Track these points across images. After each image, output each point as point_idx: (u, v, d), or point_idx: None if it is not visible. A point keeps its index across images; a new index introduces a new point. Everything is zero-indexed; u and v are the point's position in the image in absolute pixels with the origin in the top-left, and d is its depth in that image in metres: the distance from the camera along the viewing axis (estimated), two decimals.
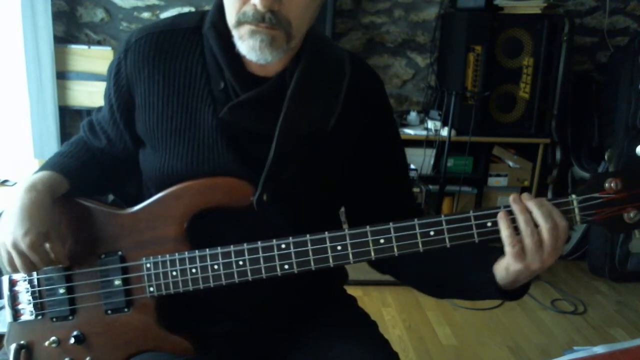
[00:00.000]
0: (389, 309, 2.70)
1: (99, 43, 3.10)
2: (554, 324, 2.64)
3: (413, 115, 3.17)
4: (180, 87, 1.00)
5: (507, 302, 2.80)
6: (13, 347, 1.07)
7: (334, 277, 1.20)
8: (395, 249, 0.91)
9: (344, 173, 1.07)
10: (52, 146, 2.83)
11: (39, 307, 1.06)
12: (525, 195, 0.89)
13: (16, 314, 1.08)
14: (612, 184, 0.87)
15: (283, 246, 0.95)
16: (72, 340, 1.04)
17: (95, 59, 2.91)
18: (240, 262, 0.96)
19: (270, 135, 0.97)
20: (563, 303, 2.83)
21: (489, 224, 0.89)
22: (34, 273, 1.05)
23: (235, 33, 0.93)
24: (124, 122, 1.07)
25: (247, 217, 0.98)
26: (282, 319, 1.11)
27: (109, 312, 1.03)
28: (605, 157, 2.97)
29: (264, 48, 0.90)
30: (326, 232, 0.93)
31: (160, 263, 1.00)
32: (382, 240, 0.92)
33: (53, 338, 1.05)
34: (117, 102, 1.06)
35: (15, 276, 1.08)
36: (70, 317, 1.05)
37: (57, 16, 2.98)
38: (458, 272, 1.00)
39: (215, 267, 0.97)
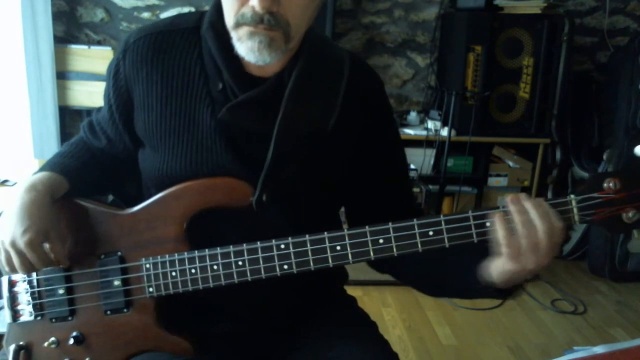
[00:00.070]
0: (389, 309, 2.70)
1: (99, 43, 3.10)
2: (554, 324, 2.64)
3: (413, 115, 3.17)
4: (179, 88, 1.00)
5: (507, 301, 2.80)
6: (12, 347, 1.07)
7: (334, 277, 1.20)
8: (395, 249, 0.91)
9: (344, 173, 1.07)
10: (52, 146, 2.84)
11: (38, 308, 1.06)
12: (522, 196, 0.89)
13: (15, 314, 1.08)
14: (611, 184, 0.87)
15: (282, 246, 0.95)
16: (72, 341, 1.04)
17: (95, 59, 2.91)
18: (240, 263, 0.96)
19: (269, 136, 0.97)
20: (563, 303, 2.83)
21: (488, 224, 0.89)
22: (34, 274, 1.05)
23: (233, 34, 0.93)
24: (122, 123, 1.07)
25: (246, 217, 0.98)
26: (281, 319, 1.11)
27: (109, 312, 1.03)
28: (604, 157, 2.97)
29: (262, 49, 0.90)
30: (325, 233, 0.93)
31: (159, 263, 1.00)
32: (381, 241, 0.92)
33: (52, 339, 1.05)
34: (115, 103, 1.06)
35: (15, 277, 1.07)
36: (70, 318, 1.05)
37: (57, 16, 2.99)
38: (455, 272, 1.00)
39: (215, 267, 0.97)
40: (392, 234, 0.91)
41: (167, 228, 1.00)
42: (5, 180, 2.43)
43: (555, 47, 2.96)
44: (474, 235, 0.90)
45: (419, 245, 0.91)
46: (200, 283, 0.98)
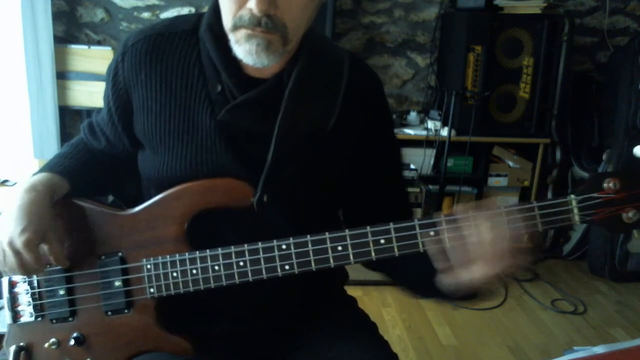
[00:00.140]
0: (389, 309, 2.70)
1: (99, 43, 3.10)
2: (554, 324, 2.64)
3: (413, 115, 3.17)
4: (178, 90, 1.00)
5: (506, 301, 2.80)
6: (12, 348, 1.07)
7: (335, 277, 1.20)
8: (396, 249, 0.92)
9: (344, 173, 1.07)
10: (52, 146, 2.84)
11: (38, 309, 1.06)
12: (457, 208, 0.89)
13: (16, 315, 1.08)
14: (611, 184, 0.87)
15: (284, 247, 0.95)
16: (72, 342, 1.04)
17: (95, 59, 2.91)
18: (241, 263, 0.96)
19: (269, 136, 0.97)
20: (563, 303, 2.83)
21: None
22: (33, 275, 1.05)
23: (231, 37, 0.93)
24: (122, 125, 1.07)
25: (247, 217, 0.98)
26: (282, 319, 1.11)
27: (109, 313, 1.03)
28: (604, 157, 2.97)
29: (260, 52, 0.90)
30: (327, 233, 0.93)
31: (160, 264, 1.00)
32: (382, 241, 0.92)
33: (53, 339, 1.05)
34: (115, 105, 1.06)
35: (15, 277, 1.07)
36: (70, 319, 1.05)
37: (57, 16, 2.98)
38: (420, 274, 1.00)
39: (216, 267, 0.97)
40: (393, 234, 0.91)
41: (167, 228, 1.00)
42: (5, 180, 2.44)
43: (555, 47, 2.96)
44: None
45: (421, 246, 0.91)
46: (201, 283, 0.98)
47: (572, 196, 0.88)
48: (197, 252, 0.98)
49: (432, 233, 0.90)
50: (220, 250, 0.97)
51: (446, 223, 0.89)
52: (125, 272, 1.02)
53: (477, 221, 0.88)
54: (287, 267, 0.95)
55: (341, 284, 1.24)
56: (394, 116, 3.13)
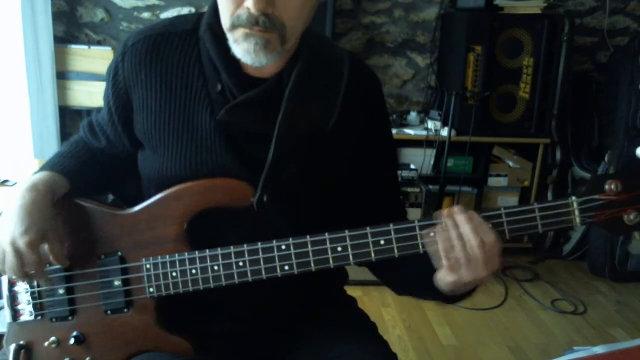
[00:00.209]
0: (389, 309, 2.70)
1: (99, 43, 3.10)
2: (554, 324, 2.64)
3: (413, 115, 3.17)
4: (178, 90, 1.00)
5: (506, 301, 2.80)
6: (12, 347, 1.07)
7: (334, 277, 1.20)
8: (396, 250, 0.92)
9: (344, 173, 1.07)
10: (52, 146, 2.84)
11: (38, 308, 1.06)
12: (456, 209, 0.90)
13: (15, 314, 1.08)
14: (612, 186, 0.87)
15: (283, 247, 0.95)
16: (72, 341, 1.04)
17: (95, 59, 2.91)
18: (240, 263, 0.96)
19: (269, 136, 0.97)
20: (563, 303, 2.83)
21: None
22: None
23: (229, 36, 0.93)
24: (122, 124, 1.07)
25: (246, 217, 0.98)
26: (282, 320, 1.11)
27: (109, 312, 1.03)
28: (605, 159, 2.97)
29: (258, 51, 0.90)
30: (326, 233, 0.94)
31: (160, 264, 1.00)
32: (382, 241, 0.92)
33: (53, 338, 1.05)
34: (115, 105, 1.06)
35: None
36: (70, 318, 1.05)
37: (57, 16, 2.98)
38: (413, 274, 1.02)
39: (215, 267, 0.97)
40: (393, 235, 0.91)
41: (167, 228, 1.00)
42: (5, 180, 2.43)
43: (555, 47, 2.96)
44: None
45: (420, 247, 0.91)
46: (200, 283, 0.98)
47: (573, 198, 0.88)
48: (197, 252, 0.98)
49: (432, 234, 0.91)
50: (219, 250, 0.97)
51: (447, 220, 0.90)
52: (124, 271, 1.02)
53: (475, 222, 0.88)
54: (286, 267, 0.95)
55: (341, 284, 1.24)
56: (394, 116, 3.13)
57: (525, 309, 2.76)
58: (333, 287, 1.22)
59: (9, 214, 0.96)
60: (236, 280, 0.97)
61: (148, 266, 1.01)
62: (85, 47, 2.94)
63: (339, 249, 0.93)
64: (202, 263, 0.98)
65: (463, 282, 0.90)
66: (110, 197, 1.22)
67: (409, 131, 3.01)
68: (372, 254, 0.92)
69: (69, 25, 3.08)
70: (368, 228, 0.92)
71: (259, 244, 0.95)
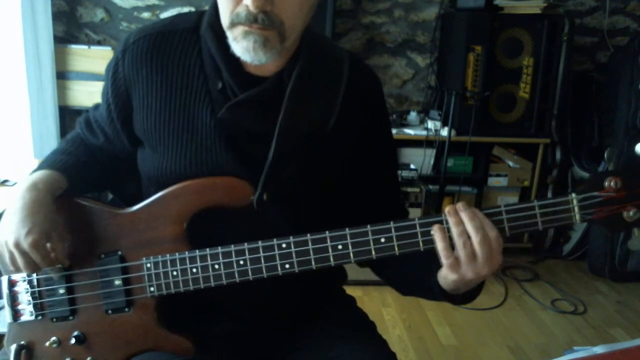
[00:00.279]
0: (389, 309, 2.70)
1: (99, 43, 3.10)
2: (554, 324, 2.64)
3: (413, 115, 3.17)
4: (178, 88, 1.00)
5: (506, 301, 2.80)
6: (13, 347, 1.07)
7: (334, 277, 1.20)
8: (396, 248, 0.92)
9: (344, 173, 1.08)
10: (52, 146, 2.80)
11: (38, 308, 1.06)
12: (459, 206, 0.90)
13: (16, 314, 1.08)
14: (612, 183, 0.87)
15: (284, 246, 0.95)
16: (73, 341, 1.04)
17: (95, 59, 2.91)
18: (241, 262, 0.96)
19: (269, 135, 0.98)
20: (563, 303, 2.83)
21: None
22: (34, 273, 1.05)
23: (229, 34, 0.93)
24: (121, 122, 1.07)
25: (246, 217, 0.98)
26: (282, 319, 1.11)
27: (110, 312, 1.03)
28: (605, 155, 2.97)
29: (257, 49, 0.90)
30: (327, 232, 0.94)
31: (160, 263, 1.00)
32: (382, 240, 0.92)
33: (53, 338, 1.05)
34: (114, 102, 1.06)
35: (15, 276, 1.07)
36: (71, 318, 1.05)
37: (57, 16, 2.99)
38: (414, 273, 1.02)
39: (216, 266, 0.97)
40: (393, 233, 0.91)
41: (167, 227, 1.00)
42: (5, 180, 2.43)
43: (555, 47, 2.96)
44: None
45: (421, 245, 0.91)
46: (201, 282, 0.98)
47: (573, 195, 0.88)
48: (197, 251, 0.98)
49: (434, 227, 0.90)
50: (220, 249, 0.97)
51: (451, 216, 0.90)
52: (125, 270, 1.02)
53: (479, 218, 0.88)
54: (287, 266, 0.95)
55: (340, 284, 1.24)
56: (394, 116, 3.13)
57: (525, 309, 2.76)
58: (332, 286, 1.22)
59: (10, 215, 0.96)
60: (237, 279, 0.97)
61: (148, 265, 1.01)
62: (85, 47, 2.94)
63: (340, 247, 0.93)
64: (202, 262, 0.98)
65: (465, 279, 0.90)
66: (110, 196, 1.22)
67: (409, 131, 3.01)
68: (373, 252, 0.92)
69: (69, 25, 3.08)
70: (369, 226, 0.92)
71: (260, 242, 0.95)
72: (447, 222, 0.90)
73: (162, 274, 1.00)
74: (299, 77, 0.98)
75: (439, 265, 0.92)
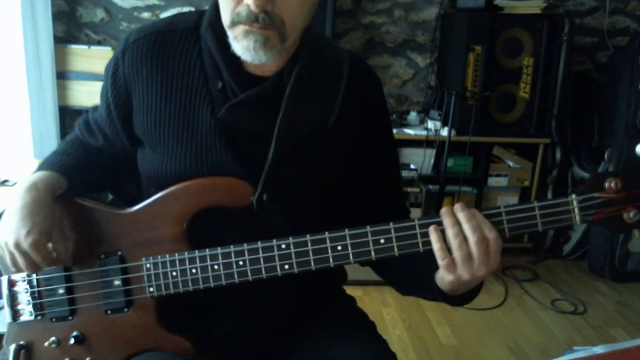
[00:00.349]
0: (389, 309, 2.70)
1: (99, 43, 3.10)
2: (554, 324, 2.64)
3: (413, 115, 3.17)
4: (178, 88, 1.00)
5: (506, 301, 2.80)
6: (12, 347, 1.07)
7: (334, 277, 1.20)
8: (396, 249, 0.92)
9: (344, 173, 1.07)
10: (52, 146, 2.83)
11: (38, 308, 1.06)
12: (457, 207, 0.90)
13: (15, 314, 1.08)
14: (612, 184, 0.87)
15: (283, 246, 0.95)
16: (72, 341, 1.04)
17: (95, 59, 2.91)
18: (241, 262, 0.96)
19: (269, 135, 0.97)
20: (563, 303, 2.83)
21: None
22: (34, 273, 1.05)
23: (230, 33, 0.93)
24: (121, 122, 1.07)
25: (246, 217, 0.98)
26: (282, 319, 1.11)
27: (109, 312, 1.03)
28: (605, 156, 2.97)
29: (258, 48, 0.90)
30: (326, 232, 0.93)
31: (160, 263, 1.00)
32: (382, 240, 0.92)
33: (53, 338, 1.05)
34: (114, 102, 1.06)
35: (14, 276, 1.07)
36: (70, 318, 1.05)
37: (57, 16, 2.99)
38: (413, 273, 1.02)
39: (216, 267, 0.97)
40: (393, 234, 0.91)
41: (167, 228, 1.00)
42: (5, 180, 2.43)
43: (555, 47, 2.96)
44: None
45: (420, 245, 0.91)
46: (200, 283, 0.98)
47: (573, 196, 0.88)
48: (197, 252, 0.98)
49: (431, 227, 0.90)
50: (219, 250, 0.97)
51: (447, 217, 0.90)
52: (124, 271, 1.02)
53: (477, 219, 0.88)
54: (286, 266, 0.95)
55: (340, 284, 1.24)
56: (394, 116, 3.13)
57: (525, 309, 2.76)
58: (332, 286, 1.22)
59: (10, 215, 0.96)
60: (236, 279, 0.97)
61: (148, 266, 1.01)
62: (85, 47, 2.94)
63: (339, 248, 0.93)
64: (202, 262, 0.98)
65: (462, 280, 0.90)
66: (110, 196, 1.22)
67: (409, 131, 3.01)
68: (372, 253, 0.92)
69: (69, 25, 3.08)
70: (368, 227, 0.92)
71: (259, 243, 0.95)
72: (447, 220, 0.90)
73: (161, 275, 1.00)
74: (299, 77, 0.98)
75: (437, 266, 0.92)
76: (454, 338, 2.48)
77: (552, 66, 2.98)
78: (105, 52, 2.94)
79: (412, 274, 1.03)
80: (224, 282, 0.97)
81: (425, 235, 0.91)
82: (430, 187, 3.02)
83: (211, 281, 0.98)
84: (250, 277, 0.96)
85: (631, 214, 0.87)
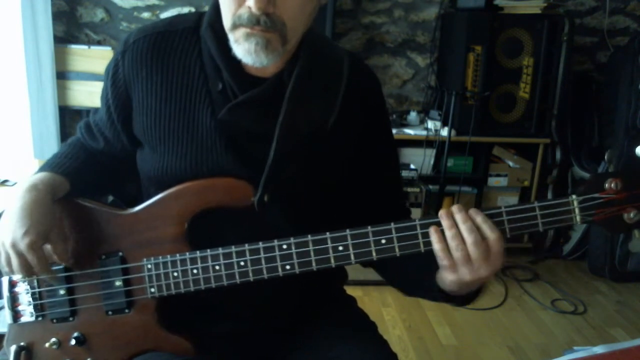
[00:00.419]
0: (389, 309, 2.70)
1: (99, 43, 3.10)
2: (554, 324, 2.64)
3: (413, 115, 3.17)
4: (178, 88, 1.00)
5: (506, 301, 2.80)
6: (13, 348, 1.07)
7: (334, 277, 1.20)
8: (397, 249, 0.92)
9: (344, 173, 1.08)
10: (52, 146, 2.84)
11: (39, 309, 1.06)
12: (455, 208, 0.90)
13: (16, 315, 1.08)
14: (612, 184, 0.87)
15: (284, 246, 0.95)
16: (73, 342, 1.04)
17: (95, 59, 2.91)
18: (242, 263, 0.96)
19: (270, 136, 0.97)
20: (563, 303, 2.83)
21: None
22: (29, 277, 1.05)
23: (230, 36, 0.93)
24: (121, 123, 1.07)
25: (247, 217, 0.98)
26: (282, 319, 1.11)
27: (110, 312, 1.03)
28: (605, 157, 2.97)
29: (259, 51, 0.90)
30: (327, 233, 0.94)
31: (161, 264, 1.00)
32: (383, 241, 0.92)
33: (53, 339, 1.05)
34: (114, 103, 1.06)
35: (15, 277, 1.07)
36: (71, 318, 1.05)
37: (57, 16, 2.98)
38: (414, 273, 1.02)
39: (217, 267, 0.97)
40: (394, 234, 0.91)
41: (167, 228, 1.00)
42: (5, 180, 2.43)
43: (555, 47, 2.96)
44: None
45: (421, 246, 0.91)
46: (202, 283, 0.98)
47: (574, 196, 0.88)
48: (198, 252, 0.98)
49: (431, 229, 0.90)
50: (220, 250, 0.97)
51: (445, 219, 0.90)
52: (125, 271, 1.02)
53: (476, 220, 0.88)
54: (288, 267, 0.95)
55: (341, 284, 1.24)
56: (394, 116, 3.13)
57: (525, 309, 2.76)
58: (333, 286, 1.22)
59: (9, 215, 0.96)
60: (238, 280, 0.97)
61: (149, 266, 1.01)
62: (85, 47, 2.94)
63: (341, 248, 0.93)
64: (203, 263, 0.98)
65: (464, 281, 0.90)
66: (110, 197, 1.22)
67: (409, 131, 3.01)
68: (374, 253, 0.92)
69: (69, 25, 3.08)
70: (369, 227, 0.92)
71: (261, 243, 0.95)
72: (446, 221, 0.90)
73: (162, 275, 1.00)
74: (299, 78, 0.98)
75: (437, 266, 0.92)
76: (454, 338, 2.48)
77: (552, 66, 2.98)
78: (105, 52, 2.94)
79: (413, 273, 1.03)
80: (225, 283, 0.97)
81: (427, 235, 0.91)
82: (430, 187, 3.02)
83: (212, 281, 0.98)
84: (251, 278, 0.96)
85: (631, 214, 0.87)
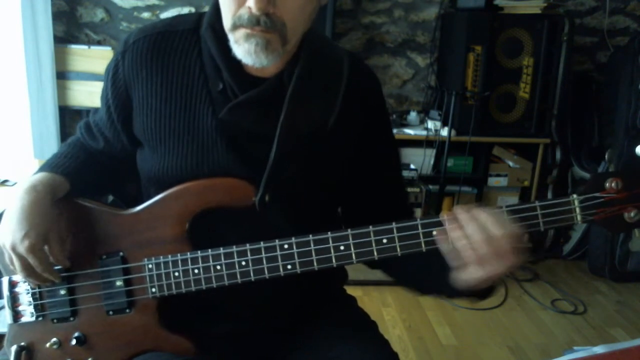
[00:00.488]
0: (389, 309, 2.70)
1: (99, 43, 3.10)
2: (554, 324, 2.65)
3: (413, 115, 3.17)
4: (179, 89, 1.00)
5: (506, 301, 2.80)
6: (14, 349, 1.07)
7: (334, 277, 1.20)
8: (398, 249, 0.92)
9: (344, 173, 1.08)
10: (52, 146, 2.84)
11: (39, 309, 1.06)
12: (457, 209, 0.89)
13: (16, 315, 1.07)
14: (612, 184, 0.87)
15: (286, 246, 0.95)
16: (74, 342, 1.04)
17: (95, 59, 2.91)
18: (243, 263, 0.96)
19: (270, 136, 0.98)
20: (563, 303, 2.83)
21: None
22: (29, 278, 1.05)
23: (231, 37, 0.93)
24: (121, 123, 1.07)
25: (247, 217, 0.98)
26: (282, 319, 1.11)
27: (111, 312, 1.03)
28: (606, 157, 2.97)
29: (259, 52, 0.90)
30: (329, 232, 0.94)
31: (162, 264, 1.00)
32: (384, 240, 0.92)
33: (54, 339, 1.05)
34: (114, 103, 1.06)
35: (15, 277, 1.07)
36: (72, 318, 1.05)
37: (57, 16, 2.98)
38: (428, 271, 1.01)
39: (218, 267, 0.97)
40: (395, 234, 0.91)
41: (168, 228, 1.00)
42: (5, 180, 2.43)
43: (555, 47, 2.96)
44: None
45: (423, 245, 0.91)
46: (203, 283, 0.98)
47: (574, 196, 0.88)
48: (199, 252, 0.98)
49: (434, 232, 0.90)
50: (222, 250, 0.97)
51: (449, 222, 0.89)
52: (126, 271, 1.02)
53: (480, 220, 0.88)
54: (289, 266, 0.95)
55: (341, 284, 1.24)
56: (394, 116, 3.13)
57: (525, 309, 2.76)
58: (333, 286, 1.22)
59: (9, 216, 0.96)
60: (239, 280, 0.97)
61: (150, 266, 1.01)
62: (85, 47, 2.94)
63: (342, 247, 0.93)
64: (204, 263, 0.98)
65: (475, 278, 0.89)
66: (110, 197, 1.22)
67: (409, 131, 3.01)
68: (375, 253, 0.92)
69: (69, 25, 3.08)
70: (371, 227, 0.92)
71: (262, 243, 0.95)
72: (448, 223, 0.90)
73: (163, 275, 1.00)
74: (300, 78, 0.98)
75: (437, 264, 0.92)
76: (454, 338, 2.49)
77: (552, 66, 2.98)
78: (105, 52, 2.94)
79: (423, 273, 1.02)
80: (226, 283, 0.97)
81: (428, 235, 0.91)
82: (430, 187, 3.02)
83: (214, 281, 0.98)
84: (252, 277, 0.96)
85: (632, 214, 0.88)
